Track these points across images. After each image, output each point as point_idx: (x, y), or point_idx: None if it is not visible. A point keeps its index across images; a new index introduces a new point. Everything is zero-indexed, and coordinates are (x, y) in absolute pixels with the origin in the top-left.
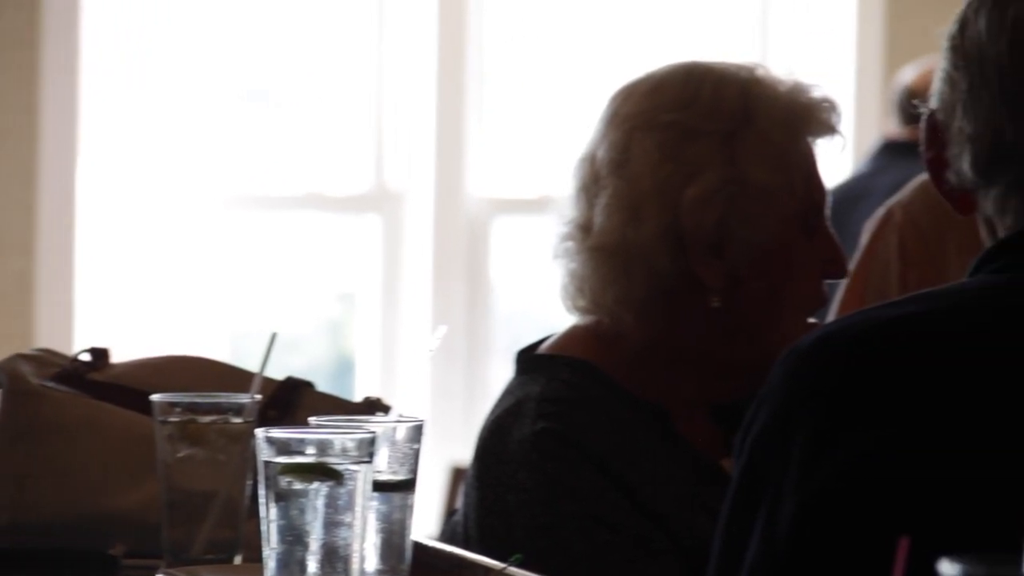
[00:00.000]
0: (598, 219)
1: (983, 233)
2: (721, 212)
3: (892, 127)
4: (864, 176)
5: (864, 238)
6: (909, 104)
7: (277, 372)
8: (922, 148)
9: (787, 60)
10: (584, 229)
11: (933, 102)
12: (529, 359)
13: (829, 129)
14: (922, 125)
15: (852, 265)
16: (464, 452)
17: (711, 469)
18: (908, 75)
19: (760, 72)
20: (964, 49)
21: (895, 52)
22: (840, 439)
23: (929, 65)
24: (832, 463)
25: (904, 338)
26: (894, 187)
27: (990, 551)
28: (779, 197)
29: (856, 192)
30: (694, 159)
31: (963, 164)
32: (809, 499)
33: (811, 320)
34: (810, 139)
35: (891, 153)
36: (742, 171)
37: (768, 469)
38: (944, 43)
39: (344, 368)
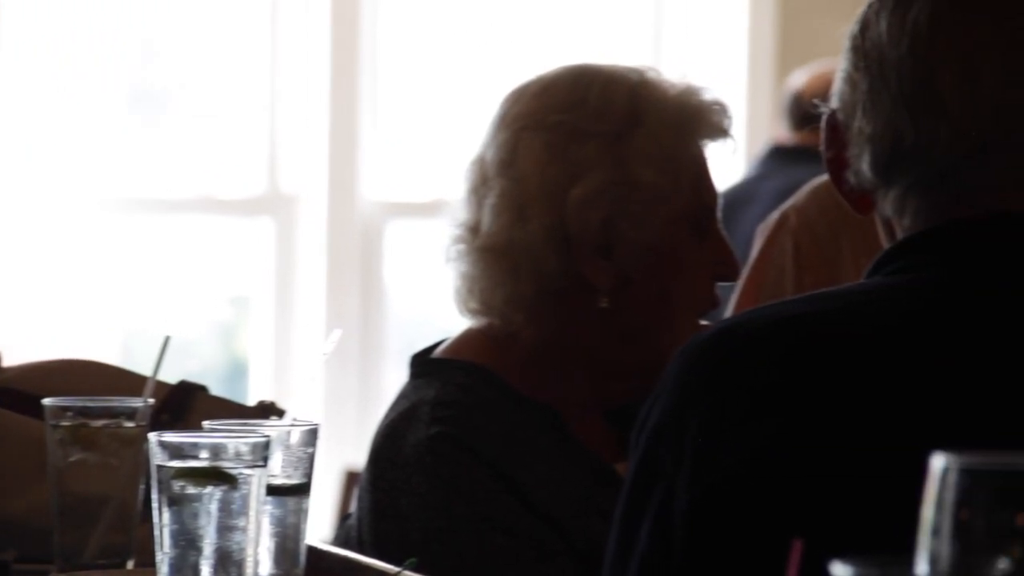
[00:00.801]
0: (486, 220)
1: (881, 234)
2: (607, 213)
3: (782, 131)
4: (751, 181)
5: (758, 242)
6: (798, 108)
7: (170, 376)
8: (822, 148)
9: (679, 62)
10: (474, 231)
11: (833, 102)
12: (423, 363)
13: (720, 132)
14: (822, 125)
15: (746, 269)
16: (359, 456)
17: (605, 471)
18: (799, 79)
19: (650, 75)
20: (865, 50)
21: (787, 55)
22: (733, 434)
23: (820, 69)
24: (725, 459)
25: (799, 336)
26: (780, 192)
27: (883, 550)
28: (667, 198)
29: (742, 196)
30: (581, 160)
31: (863, 164)
32: (702, 495)
33: (703, 322)
34: (701, 141)
35: (779, 158)
36: (630, 172)
37: (662, 464)
38: (845, 43)
39: (237, 372)
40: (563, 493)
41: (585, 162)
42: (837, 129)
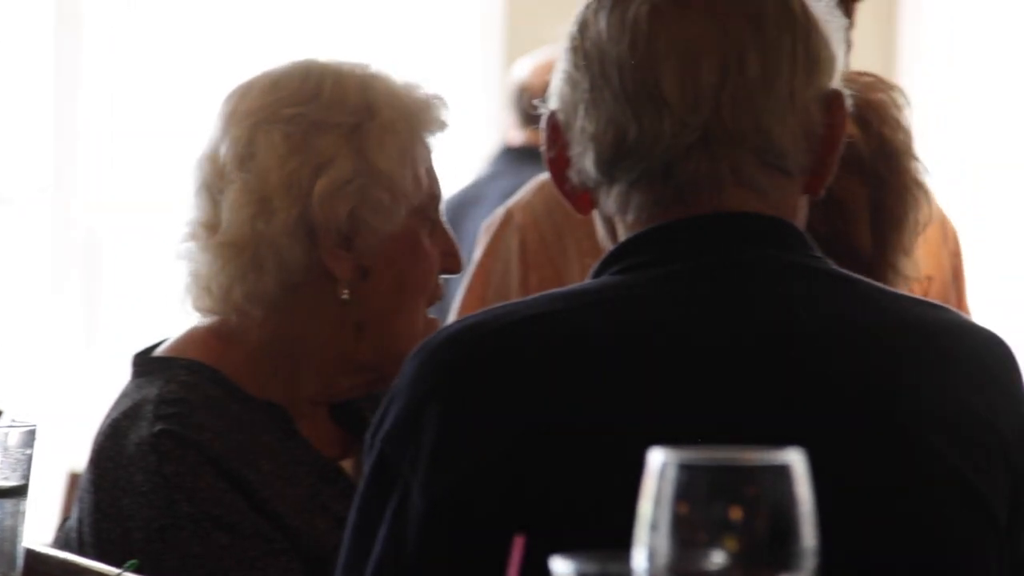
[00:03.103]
0: (225, 215)
1: (602, 233)
2: (352, 203)
3: (511, 129)
4: (479, 182)
5: (483, 239)
6: (524, 101)
7: None
8: (543, 148)
9: (411, 60)
10: (208, 227)
11: (553, 103)
12: (146, 361)
13: (441, 125)
14: (543, 125)
15: (472, 266)
16: (81, 457)
17: (331, 469)
18: (522, 72)
19: (375, 69)
20: (585, 49)
21: (516, 55)
22: (469, 436)
23: (544, 60)
24: (461, 461)
25: (533, 336)
26: (508, 192)
27: (612, 548)
28: (406, 188)
29: (472, 197)
30: (323, 151)
31: (586, 162)
32: (438, 498)
33: (430, 316)
34: (426, 134)
35: (507, 158)
36: (370, 162)
37: (398, 465)
38: (564, 44)
39: None
40: (288, 491)
41: (327, 153)
42: (558, 129)
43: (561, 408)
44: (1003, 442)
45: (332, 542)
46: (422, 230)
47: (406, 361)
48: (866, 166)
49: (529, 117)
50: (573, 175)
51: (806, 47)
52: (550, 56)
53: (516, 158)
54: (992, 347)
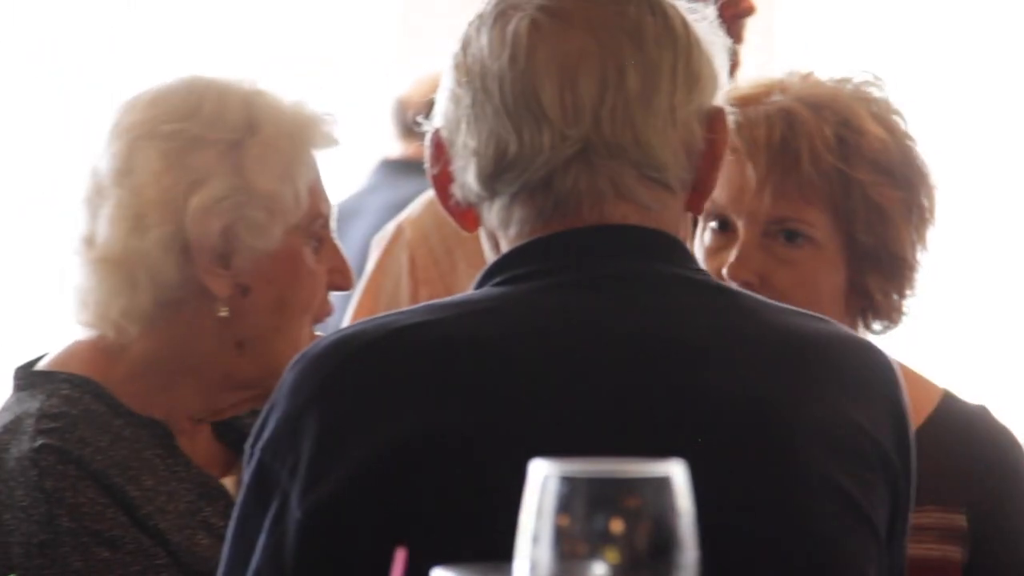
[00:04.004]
0: (102, 230)
1: (487, 247)
2: (227, 221)
3: (392, 142)
4: (360, 194)
5: (374, 254)
6: (403, 117)
7: None
8: (428, 165)
9: (304, 73)
10: (87, 242)
11: (437, 120)
12: (28, 375)
13: (331, 141)
14: (427, 143)
15: (362, 281)
16: None
17: (213, 486)
18: (403, 88)
19: (262, 85)
20: (467, 66)
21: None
22: (347, 444)
23: (424, 76)
24: (339, 469)
25: (413, 344)
26: (388, 206)
27: (493, 559)
28: (285, 206)
29: (351, 210)
30: (199, 168)
31: (468, 177)
32: (315, 507)
33: (317, 332)
34: (313, 150)
35: (387, 171)
36: (248, 180)
37: (278, 474)
38: (448, 62)
39: None
40: (170, 507)
41: (203, 170)
42: (441, 146)
43: (439, 416)
44: (883, 453)
45: (214, 558)
46: (305, 248)
47: (286, 370)
48: (896, 171)
49: (408, 130)
50: (457, 191)
51: (687, 64)
52: (431, 73)
53: (395, 171)
54: (872, 358)
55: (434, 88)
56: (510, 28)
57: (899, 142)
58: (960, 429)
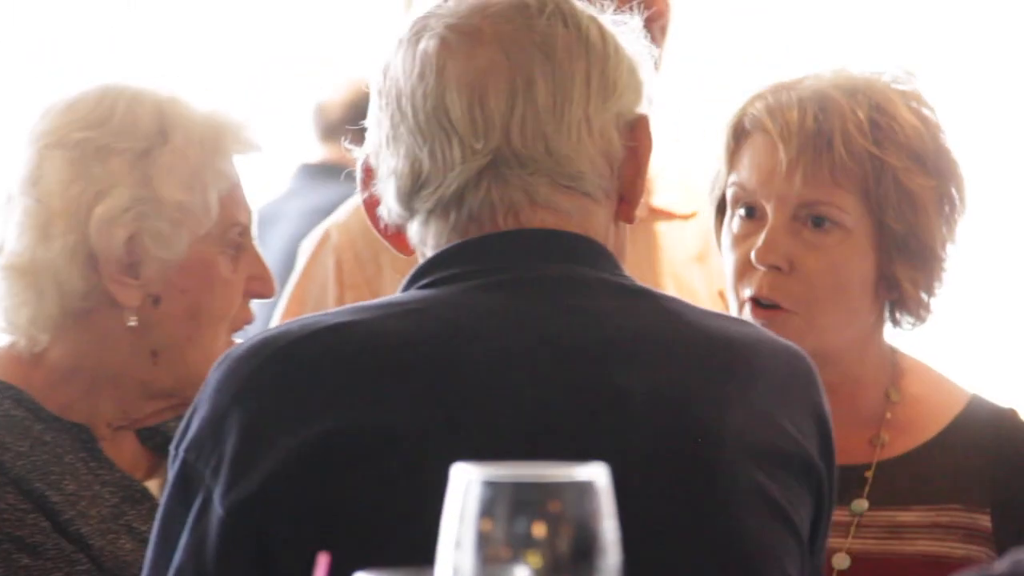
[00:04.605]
0: (11, 238)
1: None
2: (132, 231)
3: (311, 147)
4: (279, 200)
5: (301, 259)
6: (322, 121)
7: None
8: (359, 190)
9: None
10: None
11: (367, 146)
12: None
13: (248, 147)
14: (358, 168)
15: (288, 286)
16: None
17: (136, 490)
18: (323, 92)
19: (179, 91)
20: (386, 89)
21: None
22: (269, 442)
23: (344, 81)
24: (259, 467)
25: (337, 344)
26: (307, 211)
27: (417, 562)
28: (194, 215)
29: (270, 216)
30: (105, 177)
31: (389, 198)
32: (237, 504)
33: (236, 339)
34: (231, 157)
35: (306, 176)
36: (155, 189)
37: (201, 473)
38: (372, 87)
39: None
40: (92, 512)
41: (109, 179)
42: (369, 171)
43: (361, 414)
44: (806, 457)
45: (136, 563)
46: (220, 256)
47: (210, 371)
48: (928, 159)
49: (327, 134)
50: (384, 213)
51: (602, 73)
52: (349, 78)
53: (313, 175)
54: (795, 363)
55: (353, 92)
56: (420, 48)
57: (932, 132)
58: (987, 431)
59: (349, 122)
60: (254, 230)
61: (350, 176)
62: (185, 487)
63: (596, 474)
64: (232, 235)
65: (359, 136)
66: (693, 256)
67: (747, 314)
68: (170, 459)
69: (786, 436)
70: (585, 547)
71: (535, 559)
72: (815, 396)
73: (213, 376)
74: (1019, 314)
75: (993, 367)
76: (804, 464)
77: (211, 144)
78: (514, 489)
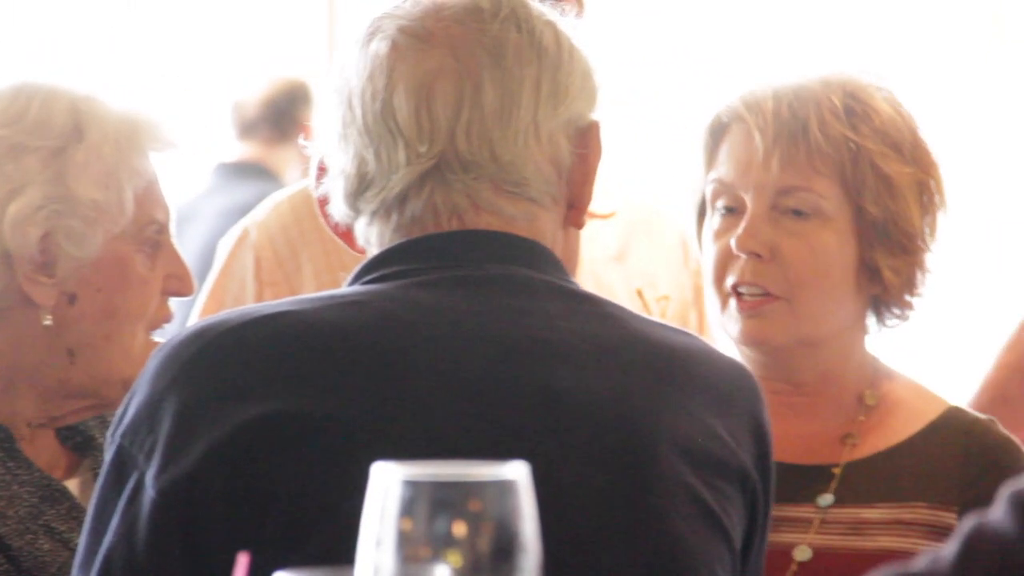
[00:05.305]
0: None
1: None
2: (45, 229)
3: (229, 145)
4: (196, 198)
5: (220, 257)
6: (239, 118)
7: None
8: (313, 188)
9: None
10: None
11: (321, 144)
12: None
13: (168, 144)
14: (312, 165)
15: (207, 283)
16: None
17: (55, 489)
18: (240, 91)
19: (96, 88)
20: (338, 88)
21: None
22: (202, 427)
23: (261, 79)
24: (191, 450)
25: (275, 331)
26: (224, 210)
27: (338, 546)
28: (108, 213)
29: (187, 214)
30: (18, 175)
31: (338, 198)
32: (168, 486)
33: (156, 339)
34: (148, 155)
35: (223, 175)
36: (68, 187)
37: (135, 458)
38: (329, 86)
39: None
40: (10, 512)
41: (23, 178)
42: (323, 170)
43: (294, 400)
44: (741, 466)
45: (56, 563)
46: (136, 254)
47: (149, 358)
48: (905, 147)
49: (245, 133)
50: (333, 211)
51: (553, 79)
52: (269, 76)
53: (230, 174)
54: (736, 376)
55: (270, 90)
56: (371, 49)
57: (908, 123)
58: (961, 435)
59: (266, 120)
60: (172, 228)
61: (264, 174)
62: (119, 472)
63: (517, 473)
64: (149, 233)
65: (280, 133)
66: (612, 255)
67: (731, 308)
68: (106, 445)
69: (721, 443)
70: (506, 546)
71: (455, 558)
72: (756, 410)
73: (151, 363)
74: (999, 317)
75: (973, 370)
76: (738, 472)
77: (127, 142)
78: (434, 488)
